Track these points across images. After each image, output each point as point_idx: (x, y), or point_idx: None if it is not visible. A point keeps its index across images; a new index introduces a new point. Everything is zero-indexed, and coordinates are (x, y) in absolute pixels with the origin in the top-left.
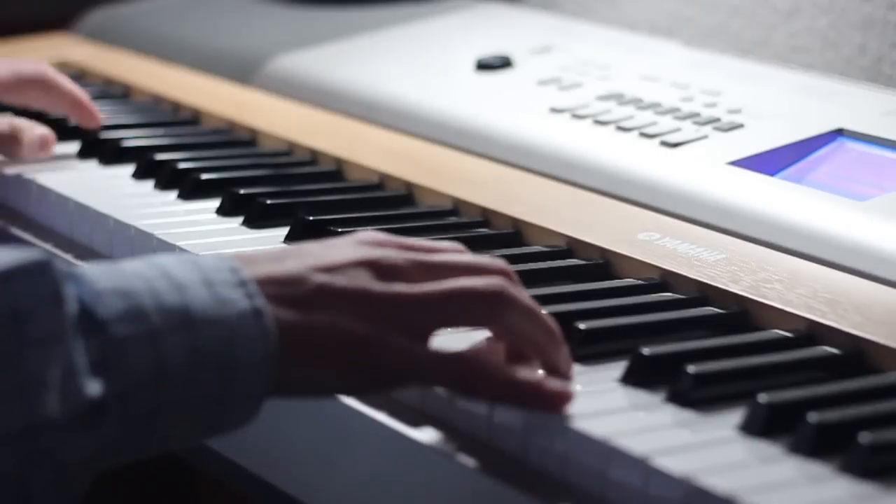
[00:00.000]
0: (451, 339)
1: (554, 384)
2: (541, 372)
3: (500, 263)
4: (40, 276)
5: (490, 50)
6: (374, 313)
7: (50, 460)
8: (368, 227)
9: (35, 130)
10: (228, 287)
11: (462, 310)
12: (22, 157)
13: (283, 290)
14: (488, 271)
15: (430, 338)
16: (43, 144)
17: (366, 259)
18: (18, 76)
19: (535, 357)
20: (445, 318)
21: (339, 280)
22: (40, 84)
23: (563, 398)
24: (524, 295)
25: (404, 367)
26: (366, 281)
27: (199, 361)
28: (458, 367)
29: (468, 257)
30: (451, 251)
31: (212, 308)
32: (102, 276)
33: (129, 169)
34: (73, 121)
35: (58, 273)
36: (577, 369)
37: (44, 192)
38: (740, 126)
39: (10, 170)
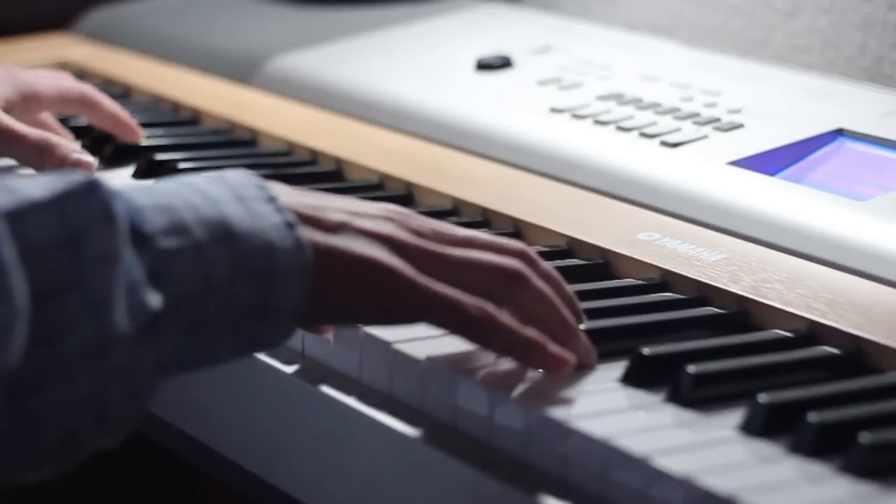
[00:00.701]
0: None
1: (556, 348)
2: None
3: (519, 245)
4: (92, 196)
5: (490, 50)
6: (398, 251)
7: (122, 374)
8: None
9: (65, 149)
10: (259, 202)
11: (478, 277)
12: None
13: (312, 216)
14: (508, 251)
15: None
16: (77, 167)
17: (394, 216)
18: (62, 94)
19: (552, 339)
20: (466, 281)
21: (364, 222)
22: (83, 103)
23: (563, 362)
24: (539, 282)
25: (423, 301)
26: (390, 227)
27: (240, 273)
28: (473, 312)
29: (490, 237)
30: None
31: (247, 221)
32: (140, 194)
33: (129, 169)
34: (117, 138)
35: (107, 192)
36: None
37: None
38: (740, 126)
39: (5, 169)
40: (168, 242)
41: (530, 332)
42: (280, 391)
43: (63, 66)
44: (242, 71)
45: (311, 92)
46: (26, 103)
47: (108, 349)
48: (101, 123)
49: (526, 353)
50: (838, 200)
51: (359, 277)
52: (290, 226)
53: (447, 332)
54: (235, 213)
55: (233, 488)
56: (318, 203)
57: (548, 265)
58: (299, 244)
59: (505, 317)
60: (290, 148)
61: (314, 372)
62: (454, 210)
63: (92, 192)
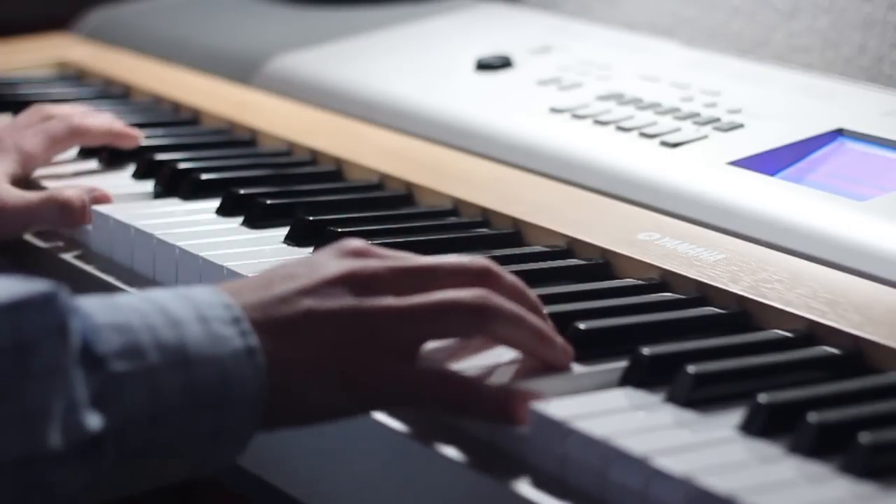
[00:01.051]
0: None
1: (526, 395)
2: None
3: (482, 262)
4: (47, 308)
5: (490, 50)
6: (362, 333)
7: (44, 490)
8: (368, 227)
9: (77, 199)
10: (222, 324)
11: (448, 322)
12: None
13: (271, 319)
14: (471, 272)
15: (417, 352)
16: (95, 201)
17: (349, 272)
18: (52, 141)
19: (530, 357)
20: (432, 330)
21: (325, 304)
22: (74, 135)
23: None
24: (509, 304)
25: (394, 389)
26: (352, 300)
27: (193, 399)
28: (446, 386)
29: (449, 259)
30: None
31: (207, 346)
32: (100, 311)
33: (129, 169)
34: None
35: (64, 306)
36: (577, 369)
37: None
38: (740, 126)
39: None
40: (119, 365)
41: (505, 388)
42: None
43: (63, 66)
44: (242, 71)
45: (311, 92)
46: (25, 170)
47: (33, 464)
48: (99, 143)
49: (505, 410)
50: (838, 200)
51: (328, 379)
52: (251, 352)
53: (428, 408)
54: (195, 337)
55: (233, 488)
56: (276, 298)
57: (511, 276)
58: (257, 370)
59: (479, 382)
60: (290, 148)
61: None
62: (454, 210)
63: (49, 304)
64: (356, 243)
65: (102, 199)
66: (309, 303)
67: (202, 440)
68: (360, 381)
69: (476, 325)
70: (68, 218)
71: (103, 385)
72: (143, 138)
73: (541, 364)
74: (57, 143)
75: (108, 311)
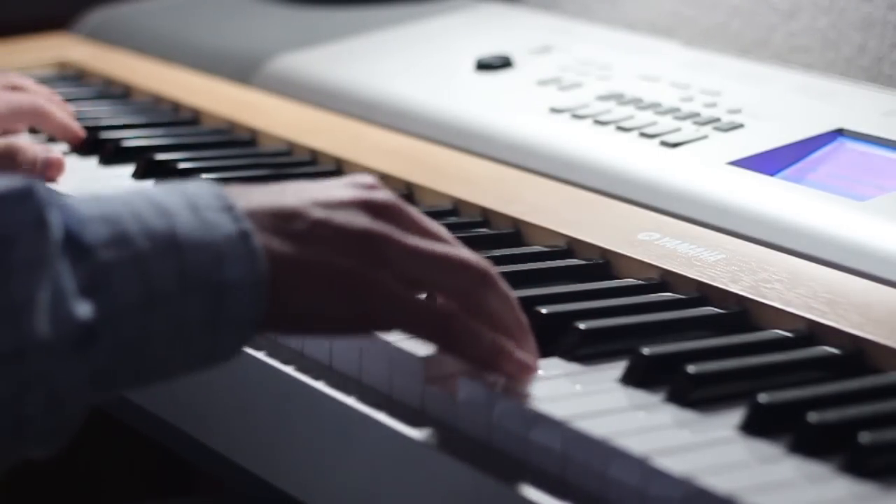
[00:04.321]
0: None
1: (522, 354)
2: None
3: (484, 263)
4: (24, 201)
5: (490, 50)
6: (370, 252)
7: (42, 383)
8: None
9: (33, 152)
10: (213, 211)
11: (449, 275)
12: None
13: (280, 222)
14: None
15: (416, 293)
16: (48, 167)
17: (363, 199)
18: (14, 111)
19: (501, 345)
20: (434, 278)
21: (338, 216)
22: (35, 115)
23: (529, 369)
24: (503, 284)
25: (393, 310)
26: (363, 220)
27: (187, 285)
28: (445, 321)
29: (456, 240)
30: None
31: (198, 231)
32: (86, 204)
33: (129, 169)
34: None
35: (41, 199)
36: (577, 369)
37: None
38: (740, 126)
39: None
40: (107, 254)
41: (500, 339)
42: (280, 391)
43: (63, 66)
44: (242, 71)
45: (311, 92)
46: None
47: (25, 356)
48: (50, 132)
49: (496, 358)
50: (838, 200)
51: (330, 288)
52: (244, 235)
53: (419, 338)
54: (186, 224)
55: (233, 488)
56: (283, 206)
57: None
58: (253, 254)
59: (475, 324)
60: (290, 148)
61: (313, 371)
62: (454, 210)
63: (26, 197)
64: (370, 178)
65: (56, 163)
66: (320, 213)
67: (201, 329)
68: (359, 296)
69: (473, 287)
70: (20, 162)
71: (92, 274)
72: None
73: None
74: (18, 114)
75: (95, 204)
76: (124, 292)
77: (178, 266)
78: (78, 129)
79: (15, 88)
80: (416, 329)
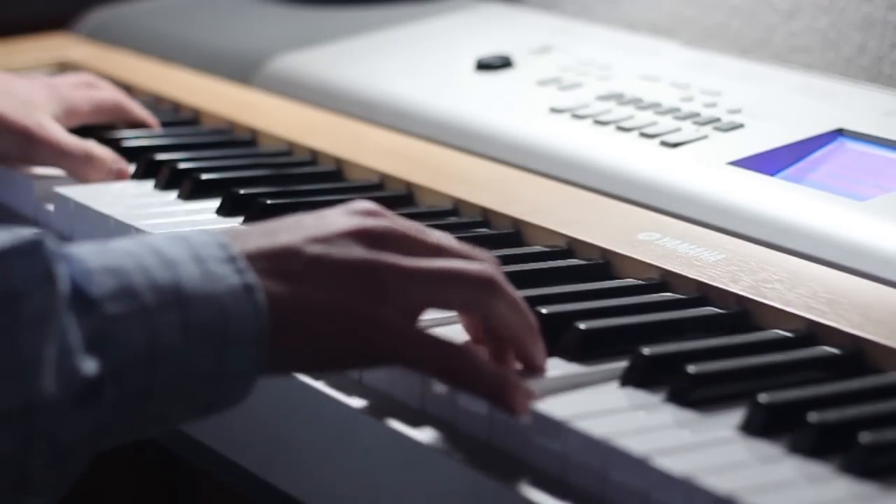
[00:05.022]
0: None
1: (525, 389)
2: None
3: (489, 254)
4: (32, 255)
5: (490, 50)
6: (369, 285)
7: (47, 440)
8: None
9: (109, 160)
10: (218, 262)
11: (453, 290)
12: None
13: (276, 264)
14: (479, 259)
15: (419, 317)
16: (118, 175)
17: (359, 228)
18: (98, 106)
19: (513, 348)
20: (436, 296)
21: (334, 251)
22: (116, 112)
23: (532, 398)
24: (511, 286)
25: (396, 346)
26: (360, 252)
27: (191, 338)
28: (449, 355)
29: (459, 244)
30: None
31: (202, 284)
32: (92, 255)
33: (130, 169)
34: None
35: (49, 252)
36: (577, 369)
37: (45, 192)
38: (740, 126)
39: (52, 178)
40: (113, 307)
41: (502, 372)
42: (280, 391)
43: (63, 66)
44: (242, 71)
45: (311, 92)
46: (68, 119)
47: (31, 413)
48: (130, 124)
49: (499, 393)
50: (838, 200)
51: (330, 325)
52: (248, 289)
53: (422, 373)
54: (190, 276)
55: (233, 488)
56: (278, 246)
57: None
58: (257, 308)
59: (478, 360)
60: (290, 148)
61: None
62: (454, 210)
63: (34, 251)
64: (368, 204)
65: (124, 172)
66: (316, 250)
67: (205, 381)
68: (361, 333)
69: (479, 298)
70: (92, 170)
71: (97, 328)
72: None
73: (519, 359)
74: (101, 109)
75: (101, 256)
76: (130, 346)
77: (183, 320)
78: (155, 121)
79: (92, 85)
80: (418, 365)
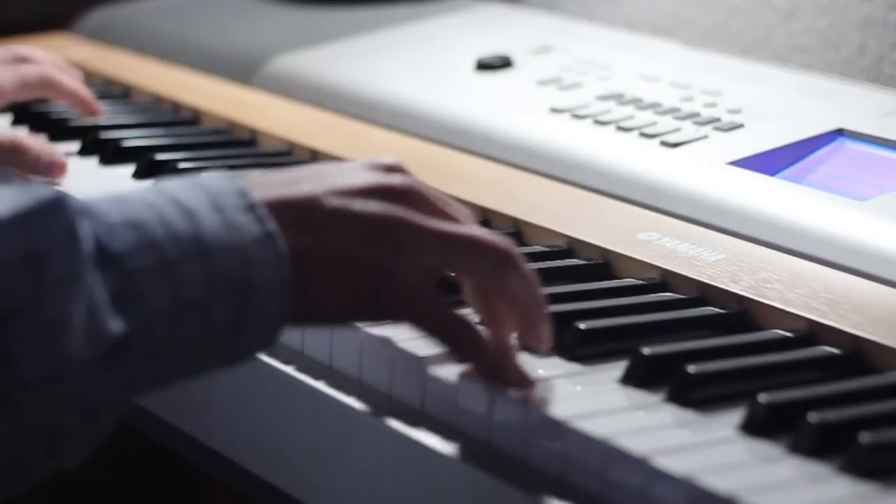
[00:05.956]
0: None
1: (523, 371)
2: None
3: (505, 237)
4: (55, 214)
5: (490, 50)
6: (387, 239)
7: (79, 403)
8: None
9: (37, 151)
10: (237, 211)
11: (470, 257)
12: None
13: (297, 213)
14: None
15: (434, 280)
16: (51, 168)
17: (382, 183)
18: (24, 81)
19: (521, 324)
20: (453, 260)
21: (354, 205)
22: (44, 85)
23: (529, 383)
24: (527, 263)
25: (405, 302)
26: (380, 206)
27: (214, 289)
28: (458, 326)
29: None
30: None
31: (223, 234)
32: (112, 209)
33: (129, 169)
34: (77, 115)
35: (72, 210)
36: (577, 369)
37: None
38: (740, 126)
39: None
40: (136, 261)
41: (503, 353)
42: (279, 390)
43: None
44: (242, 71)
45: (311, 92)
46: None
47: (62, 378)
48: (63, 99)
49: (498, 370)
50: (838, 200)
51: (348, 276)
52: (269, 237)
53: (426, 335)
54: (211, 226)
55: (233, 488)
56: (300, 196)
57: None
58: (279, 257)
59: (483, 338)
60: (290, 148)
61: (313, 371)
62: None
63: (56, 210)
64: (390, 158)
65: (60, 164)
66: (336, 203)
67: (229, 331)
68: (374, 285)
69: (495, 268)
70: (21, 161)
71: (122, 284)
72: (103, 115)
73: (525, 336)
74: (27, 86)
75: (120, 209)
76: (154, 301)
77: (206, 270)
78: (88, 96)
79: (22, 60)
80: (424, 326)
